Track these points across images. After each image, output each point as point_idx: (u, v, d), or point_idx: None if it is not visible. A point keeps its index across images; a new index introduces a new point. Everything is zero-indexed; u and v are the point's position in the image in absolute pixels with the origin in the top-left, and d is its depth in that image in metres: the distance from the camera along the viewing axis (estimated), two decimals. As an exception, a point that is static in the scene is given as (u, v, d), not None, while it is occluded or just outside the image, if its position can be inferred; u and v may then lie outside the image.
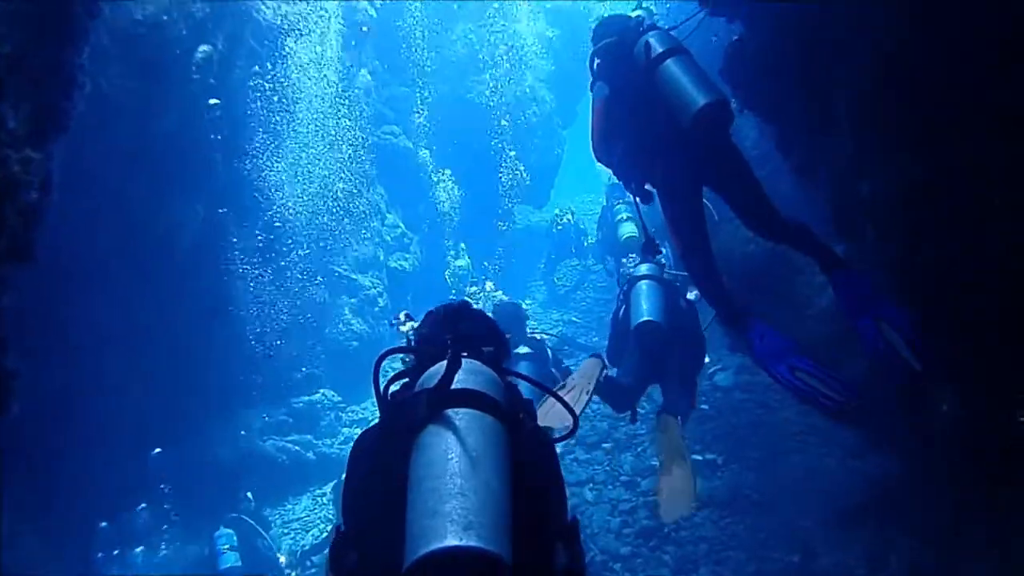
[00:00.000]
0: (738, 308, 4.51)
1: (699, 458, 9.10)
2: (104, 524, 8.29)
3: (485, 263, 15.54)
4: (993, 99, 3.09)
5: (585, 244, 16.22)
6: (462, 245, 16.07)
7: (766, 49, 4.74)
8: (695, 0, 5.39)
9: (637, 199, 5.04)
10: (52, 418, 7.28)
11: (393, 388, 2.34)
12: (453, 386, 2.04)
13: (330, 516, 10.39)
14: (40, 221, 4.17)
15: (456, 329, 2.40)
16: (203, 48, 8.52)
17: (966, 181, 3.28)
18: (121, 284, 8.24)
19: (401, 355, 2.66)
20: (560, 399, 2.64)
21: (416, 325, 2.72)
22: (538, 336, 7.51)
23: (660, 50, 4.44)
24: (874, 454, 6.43)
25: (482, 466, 1.85)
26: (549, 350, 7.37)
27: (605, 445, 9.79)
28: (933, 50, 3.18)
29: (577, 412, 3.09)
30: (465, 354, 2.21)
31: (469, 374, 2.11)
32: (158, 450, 8.97)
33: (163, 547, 8.73)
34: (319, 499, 11.25)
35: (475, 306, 2.65)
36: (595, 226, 14.83)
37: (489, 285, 13.10)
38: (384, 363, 2.41)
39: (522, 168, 16.56)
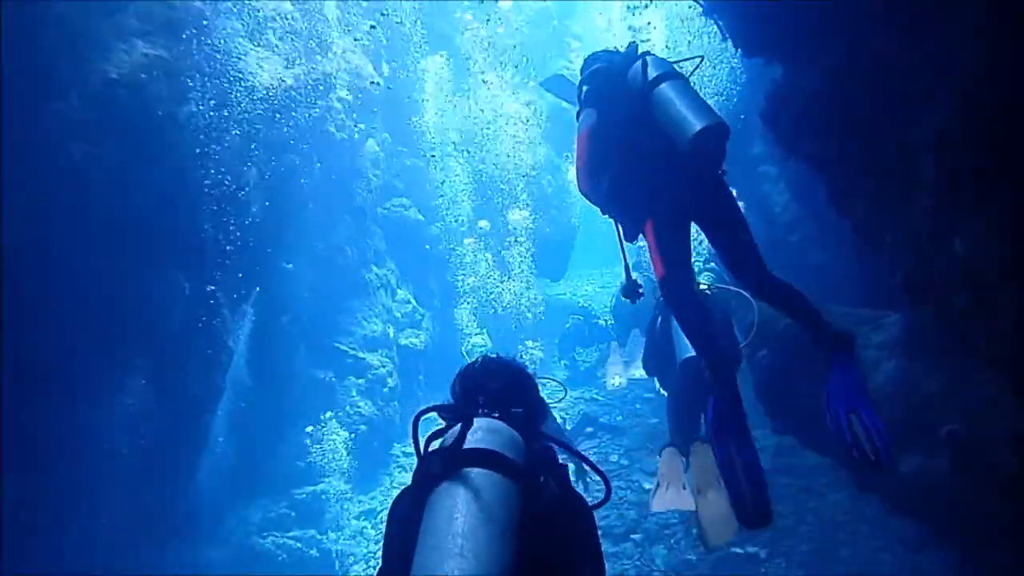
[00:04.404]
0: (721, 355, 4.10)
1: (739, 551, 8.38)
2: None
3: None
4: None
5: (605, 324, 15.63)
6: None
7: (817, 94, 4.17)
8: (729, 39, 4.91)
9: (620, 234, 4.68)
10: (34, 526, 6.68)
11: (433, 445, 2.30)
12: (470, 445, 2.08)
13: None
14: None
15: (486, 389, 2.45)
16: (188, 109, 7.90)
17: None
18: (104, 372, 7.60)
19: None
20: (586, 460, 2.54)
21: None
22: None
23: (656, 73, 4.21)
24: (934, 547, 6.05)
25: (485, 527, 1.90)
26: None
27: (635, 536, 9.16)
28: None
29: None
30: (496, 414, 2.25)
31: (487, 433, 2.14)
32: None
33: None
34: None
35: (516, 361, 2.65)
36: (612, 301, 14.38)
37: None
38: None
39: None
